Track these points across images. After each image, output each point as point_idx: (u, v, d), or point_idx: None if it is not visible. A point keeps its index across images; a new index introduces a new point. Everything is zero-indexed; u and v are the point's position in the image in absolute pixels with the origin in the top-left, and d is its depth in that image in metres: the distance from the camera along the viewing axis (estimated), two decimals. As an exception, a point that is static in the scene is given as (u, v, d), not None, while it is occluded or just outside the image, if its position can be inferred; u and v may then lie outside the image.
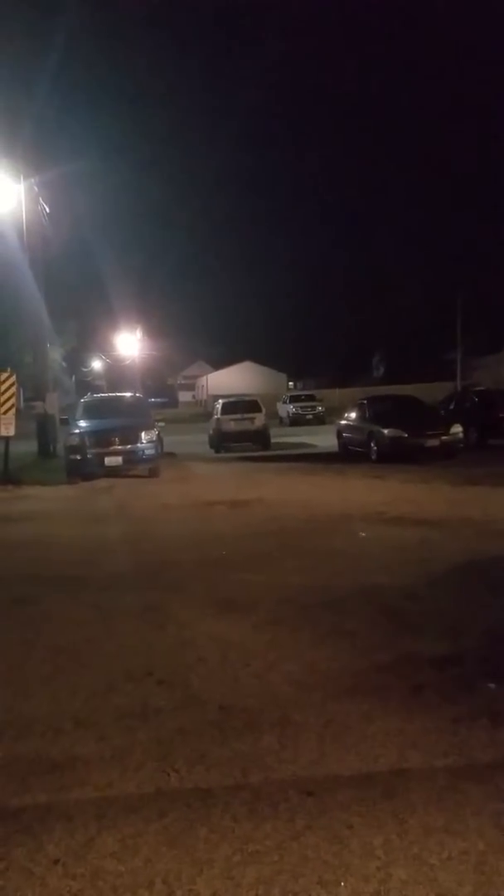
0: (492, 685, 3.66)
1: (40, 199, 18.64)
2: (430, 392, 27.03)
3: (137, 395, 20.09)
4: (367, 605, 5.17)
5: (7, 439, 14.45)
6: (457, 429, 16.14)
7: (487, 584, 5.79)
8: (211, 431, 23.20)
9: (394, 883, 2.28)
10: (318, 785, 2.85)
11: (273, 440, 22.86)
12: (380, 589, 5.57)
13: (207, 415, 26.64)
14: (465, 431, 16.36)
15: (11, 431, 14.50)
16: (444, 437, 15.76)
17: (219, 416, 22.89)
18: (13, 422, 14.53)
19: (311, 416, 36.80)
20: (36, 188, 18.33)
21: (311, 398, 40.37)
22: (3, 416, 14.58)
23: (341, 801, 2.73)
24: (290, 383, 64.87)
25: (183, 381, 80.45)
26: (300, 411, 37.78)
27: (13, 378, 14.72)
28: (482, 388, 26.47)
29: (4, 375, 14.64)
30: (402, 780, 2.88)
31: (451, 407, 20.50)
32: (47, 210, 19.09)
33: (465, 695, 3.62)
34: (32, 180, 18.12)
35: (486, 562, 6.47)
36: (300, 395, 42.49)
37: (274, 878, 2.31)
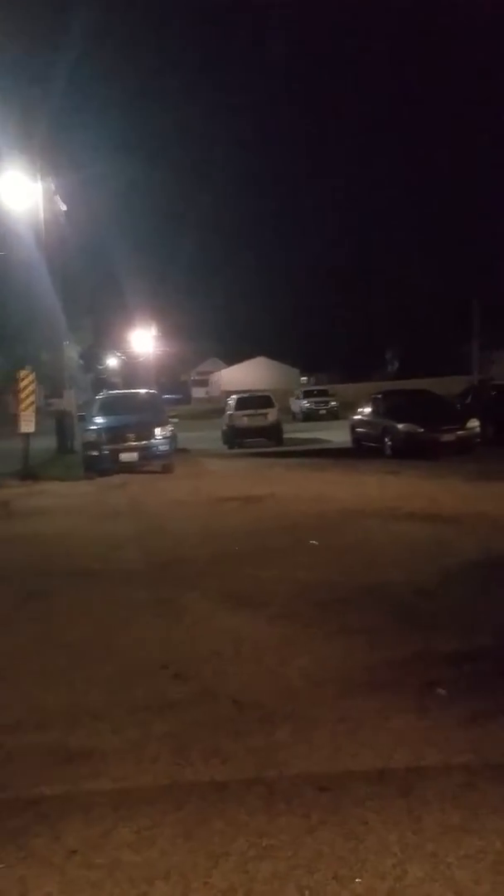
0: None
1: (57, 197, 18.73)
2: (446, 386, 26.80)
3: (152, 391, 20.15)
4: (380, 602, 5.16)
5: (28, 436, 14.63)
6: (473, 423, 15.92)
7: (502, 580, 5.76)
8: (224, 427, 23.22)
9: (409, 880, 2.28)
10: (333, 781, 2.86)
11: (286, 435, 22.83)
12: (393, 585, 5.56)
13: (220, 411, 26.63)
14: (481, 426, 16.17)
15: (32, 428, 14.76)
16: (460, 432, 15.56)
17: (232, 411, 22.89)
18: (33, 419, 14.77)
19: (324, 412, 36.63)
20: (53, 187, 18.43)
21: (324, 393, 40.18)
22: (23, 414, 14.80)
23: (356, 798, 2.73)
24: (303, 378, 64.68)
25: (196, 378, 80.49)
26: (313, 406, 37.62)
27: (33, 376, 14.96)
28: (500, 382, 26.20)
29: (24, 373, 14.87)
30: (418, 776, 2.87)
31: (468, 401, 20.25)
32: (64, 208, 19.18)
33: (480, 692, 3.61)
34: (50, 179, 18.21)
35: (502, 558, 6.43)
36: (313, 391, 42.28)
37: (289, 872, 2.32)
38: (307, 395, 39.96)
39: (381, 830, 2.53)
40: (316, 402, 38.04)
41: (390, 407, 16.95)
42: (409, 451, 14.91)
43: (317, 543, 6.77)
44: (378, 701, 3.55)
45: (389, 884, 2.27)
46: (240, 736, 3.24)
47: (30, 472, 14.23)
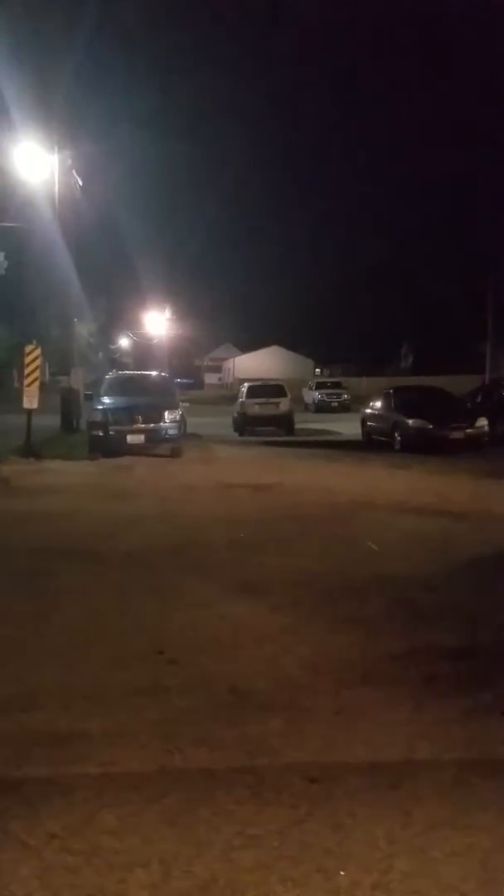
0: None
1: (73, 171, 18.58)
2: (458, 384, 26.57)
3: (163, 374, 20.06)
4: (384, 594, 5.10)
5: (30, 412, 14.45)
6: (482, 422, 15.90)
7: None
8: (235, 414, 23.14)
9: (395, 875, 2.23)
10: (324, 772, 2.81)
11: (297, 426, 22.75)
12: (398, 578, 5.50)
13: (233, 398, 26.53)
14: (491, 425, 16.12)
15: (34, 404, 14.47)
16: (469, 430, 15.54)
17: (244, 399, 22.82)
18: (37, 395, 14.50)
19: (336, 404, 36.55)
20: (70, 160, 18.25)
21: (337, 385, 40.09)
22: (26, 389, 14.58)
23: (346, 790, 2.68)
24: (317, 370, 64.46)
25: (209, 364, 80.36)
26: (325, 398, 37.54)
27: (38, 351, 14.63)
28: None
29: (30, 348, 14.60)
30: (410, 771, 2.82)
31: (478, 400, 20.19)
32: (80, 183, 19.04)
33: (478, 688, 3.55)
34: (66, 152, 18.04)
35: (506, 555, 6.35)
36: (326, 382, 42.21)
37: (273, 863, 2.27)
38: (320, 386, 39.90)
39: (369, 824, 2.48)
40: (328, 394, 37.96)
41: (401, 402, 16.92)
42: (419, 447, 14.89)
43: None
44: (375, 693, 3.50)
45: (375, 877, 2.21)
46: (232, 724, 3.19)
47: (32, 450, 13.99)
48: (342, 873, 2.23)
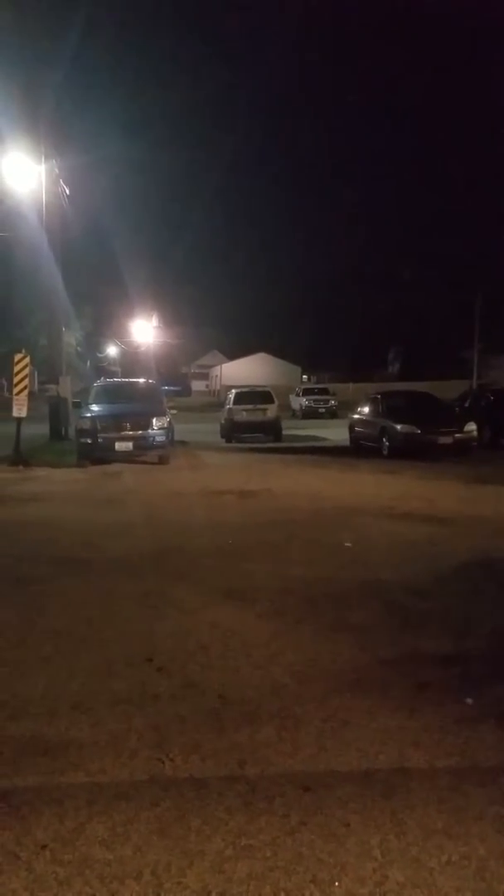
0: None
1: (60, 180, 18.54)
2: (446, 390, 26.80)
3: (150, 381, 20.01)
4: (372, 600, 5.09)
5: (19, 421, 14.45)
6: (471, 427, 15.97)
7: (496, 582, 5.69)
8: (223, 421, 23.11)
9: (390, 885, 2.20)
10: (316, 780, 2.78)
11: (285, 432, 22.75)
12: (386, 584, 5.49)
13: (220, 404, 26.49)
14: (479, 430, 16.21)
15: (24, 413, 14.51)
16: (457, 435, 15.60)
17: (231, 405, 22.80)
18: (25, 403, 14.54)
19: (323, 410, 36.62)
20: (56, 170, 18.21)
21: (324, 392, 40.16)
22: (16, 398, 14.61)
23: (339, 798, 2.66)
24: (304, 376, 64.54)
25: (197, 371, 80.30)
26: (313, 404, 37.60)
27: (27, 360, 14.70)
28: (498, 387, 26.19)
29: (19, 357, 14.65)
30: (403, 779, 2.80)
31: (466, 405, 20.31)
32: (67, 192, 18.99)
33: (469, 694, 3.53)
34: (53, 161, 18.00)
35: (496, 560, 6.36)
36: (313, 389, 42.27)
37: (266, 874, 2.24)
38: (307, 392, 39.94)
39: (362, 833, 2.45)
40: (316, 401, 38.02)
41: (389, 407, 16.96)
42: (407, 452, 14.93)
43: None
44: (366, 700, 3.48)
45: (369, 888, 2.19)
46: (223, 732, 3.16)
47: (21, 458, 14.01)
48: (337, 884, 2.20)
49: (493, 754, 2.99)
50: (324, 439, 22.03)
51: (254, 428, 22.22)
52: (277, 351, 67.81)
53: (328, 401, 37.67)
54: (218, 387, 61.74)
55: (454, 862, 2.30)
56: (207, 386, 73.39)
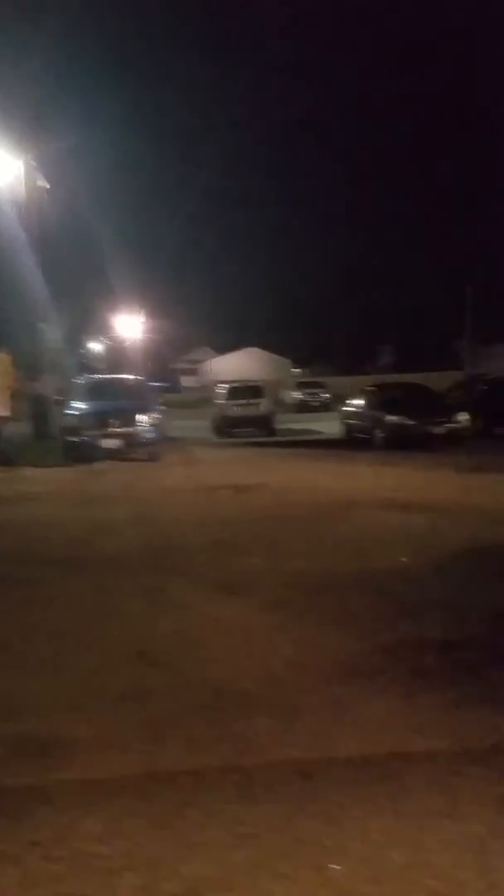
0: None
1: (40, 175, 18.34)
2: (440, 381, 26.78)
3: (138, 377, 19.89)
4: (371, 590, 5.07)
5: (3, 420, 14.19)
6: (463, 416, 16.02)
7: (493, 570, 5.68)
8: (215, 416, 23.06)
9: (390, 866, 2.18)
10: (315, 767, 2.76)
11: (278, 426, 22.73)
12: (385, 574, 5.47)
13: (210, 400, 26.38)
14: (472, 420, 16.23)
15: (8, 412, 14.27)
16: (450, 425, 15.64)
17: (223, 400, 22.75)
18: (9, 403, 14.27)
19: (317, 403, 36.68)
20: (35, 164, 17.99)
21: (317, 385, 40.25)
22: None
23: (338, 784, 2.64)
24: (296, 370, 64.43)
25: (186, 366, 79.89)
26: (306, 398, 37.66)
27: (9, 358, 14.43)
28: (490, 376, 26.24)
29: (1, 356, 14.40)
30: (402, 763, 2.78)
31: (459, 395, 20.34)
32: (47, 187, 18.81)
33: (467, 679, 3.52)
34: (32, 155, 17.78)
35: (494, 548, 6.35)
36: (306, 382, 42.34)
37: (265, 860, 2.21)
38: (300, 386, 40.02)
39: (362, 817, 2.43)
40: (309, 394, 38.09)
41: (382, 399, 17.02)
42: (400, 443, 14.94)
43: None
44: (364, 687, 3.45)
45: (370, 870, 2.17)
46: (220, 724, 3.12)
47: (5, 458, 13.74)
48: (337, 867, 2.17)
49: (491, 737, 2.97)
50: (318, 432, 22.04)
51: (246, 422, 22.17)
52: (268, 345, 67.57)
53: (321, 394, 37.72)
54: (208, 382, 61.53)
55: (452, 841, 2.29)
56: (197, 381, 73.11)
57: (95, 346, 62.78)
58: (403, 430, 15.40)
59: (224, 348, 71.10)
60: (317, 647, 3.99)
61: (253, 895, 2.09)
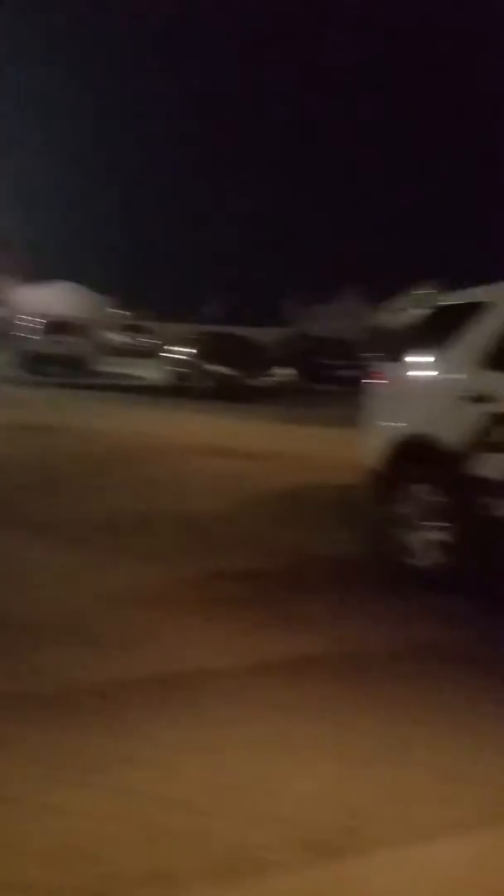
0: None
1: None
2: (264, 337, 27.43)
3: None
4: (181, 528, 5.24)
5: None
6: (286, 370, 16.59)
7: (299, 511, 6.05)
8: (23, 352, 21.39)
9: (183, 770, 2.33)
10: (112, 688, 2.83)
11: (97, 368, 21.92)
12: (196, 514, 5.64)
13: (17, 334, 24.01)
14: (296, 374, 16.85)
15: None
16: (272, 378, 16.14)
17: (35, 336, 21.30)
18: None
19: (142, 349, 35.96)
20: None
21: (143, 329, 39.40)
22: None
23: (134, 702, 2.74)
24: (119, 311, 62.33)
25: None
26: (129, 341, 36.71)
27: None
28: (310, 334, 27.38)
29: None
30: (199, 679, 2.96)
31: (283, 350, 21.00)
32: None
33: (265, 605, 3.79)
34: None
35: (303, 492, 6.76)
36: (131, 325, 41.27)
37: (53, 774, 2.29)
38: (125, 329, 38.90)
39: (156, 728, 2.55)
40: (133, 337, 37.13)
41: (206, 349, 17.04)
42: (222, 393, 15.17)
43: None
44: (167, 615, 3.60)
45: (159, 772, 2.32)
46: (20, 657, 3.08)
47: None
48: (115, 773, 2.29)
49: (281, 651, 3.24)
50: (140, 378, 21.65)
51: (61, 361, 20.85)
52: (86, 281, 63.86)
53: (146, 339, 36.98)
54: (14, 314, 57.16)
55: (247, 746, 2.50)
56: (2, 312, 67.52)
57: None
58: (226, 380, 15.65)
59: (34, 280, 66.07)
60: (124, 583, 4.04)
61: (44, 805, 2.13)
